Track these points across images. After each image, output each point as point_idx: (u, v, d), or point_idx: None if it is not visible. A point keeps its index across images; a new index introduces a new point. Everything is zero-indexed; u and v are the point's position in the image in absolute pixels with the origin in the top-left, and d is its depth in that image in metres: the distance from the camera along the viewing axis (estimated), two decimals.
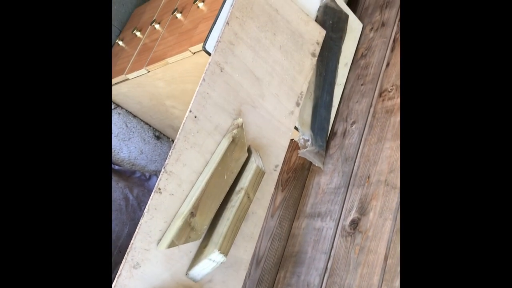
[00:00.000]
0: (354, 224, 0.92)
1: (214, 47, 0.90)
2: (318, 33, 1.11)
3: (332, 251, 0.94)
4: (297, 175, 1.17)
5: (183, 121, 0.83)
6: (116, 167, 1.36)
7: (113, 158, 1.40)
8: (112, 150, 1.40)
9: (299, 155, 1.09)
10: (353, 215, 0.94)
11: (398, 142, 0.95)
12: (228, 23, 0.92)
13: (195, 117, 0.85)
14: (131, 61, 1.26)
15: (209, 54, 0.95)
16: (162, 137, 1.52)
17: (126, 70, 1.24)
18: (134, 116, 1.46)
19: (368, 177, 0.96)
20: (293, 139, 1.16)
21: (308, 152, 1.09)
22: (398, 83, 1.06)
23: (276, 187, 1.20)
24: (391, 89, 1.07)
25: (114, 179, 1.29)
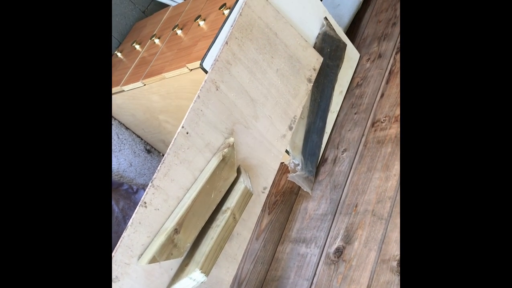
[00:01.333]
0: (339, 252, 0.92)
1: (212, 65, 0.91)
2: (316, 60, 1.12)
3: (314, 278, 0.93)
4: (285, 199, 1.16)
5: (175, 136, 0.83)
6: None
7: None
8: None
9: (288, 178, 1.08)
10: (338, 243, 0.94)
11: (388, 173, 0.95)
12: (227, 43, 0.93)
13: (187, 133, 0.84)
14: (128, 73, 1.27)
15: (206, 71, 0.95)
16: (153, 151, 1.51)
17: (122, 82, 1.24)
18: (127, 128, 1.46)
19: (356, 206, 0.96)
20: (283, 162, 1.16)
21: (297, 177, 1.09)
22: (391, 114, 1.07)
23: (263, 210, 1.19)
24: (384, 119, 1.08)
25: None
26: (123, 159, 1.43)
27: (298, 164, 1.09)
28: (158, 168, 0.80)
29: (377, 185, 0.95)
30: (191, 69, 1.02)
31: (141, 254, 0.76)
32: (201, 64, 0.95)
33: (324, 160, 1.15)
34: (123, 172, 1.43)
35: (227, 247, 0.89)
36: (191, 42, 1.09)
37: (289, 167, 1.10)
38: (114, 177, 1.41)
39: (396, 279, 0.79)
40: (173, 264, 0.80)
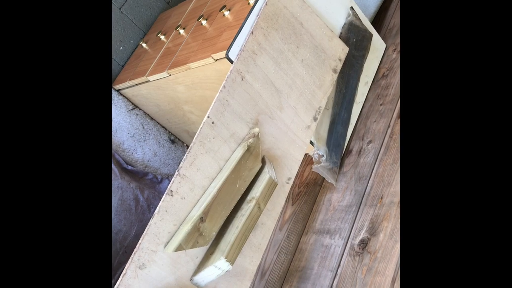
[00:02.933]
0: (364, 244, 0.91)
1: (237, 55, 0.91)
2: (341, 50, 1.11)
3: (338, 269, 0.92)
4: (308, 190, 1.16)
5: (200, 126, 0.83)
6: (129, 167, 1.36)
7: (127, 158, 1.40)
8: (127, 151, 1.41)
9: (312, 170, 1.08)
10: (362, 234, 0.93)
11: None
12: (252, 33, 0.93)
13: (213, 123, 0.85)
14: (153, 63, 1.28)
15: (231, 62, 0.95)
16: (177, 142, 1.53)
17: (148, 72, 1.25)
18: (151, 119, 1.47)
19: (381, 198, 0.95)
20: (307, 153, 1.16)
21: (321, 168, 1.08)
22: None
23: (287, 201, 1.19)
24: None
25: (126, 180, 1.30)
26: (147, 149, 1.45)
27: (323, 155, 1.09)
28: (184, 157, 0.81)
29: None
30: (216, 59, 1.02)
31: (168, 242, 0.77)
32: (226, 54, 0.95)
33: (349, 151, 1.14)
34: (147, 162, 1.44)
35: (251, 237, 0.89)
36: (216, 33, 1.09)
37: (313, 158, 1.09)
38: (139, 166, 1.43)
39: None
40: (199, 252, 0.81)
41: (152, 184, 1.40)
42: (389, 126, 1.08)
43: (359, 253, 0.91)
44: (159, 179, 1.42)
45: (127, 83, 1.34)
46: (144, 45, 1.43)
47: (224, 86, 0.87)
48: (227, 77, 0.88)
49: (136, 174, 1.38)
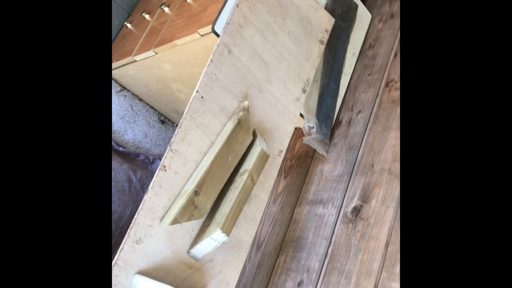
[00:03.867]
0: (356, 211, 0.93)
1: (223, 29, 0.90)
2: (327, 21, 1.11)
3: (333, 237, 0.94)
4: (300, 163, 1.17)
5: (190, 101, 0.83)
6: (121, 148, 1.36)
7: (118, 140, 1.40)
8: (117, 132, 1.40)
9: (303, 141, 1.09)
10: (355, 202, 0.94)
11: None
12: (237, 6, 0.92)
13: (202, 97, 0.85)
14: (139, 43, 1.26)
15: (217, 35, 0.95)
16: (167, 122, 1.52)
17: (134, 52, 1.24)
18: (140, 100, 1.47)
19: (372, 166, 0.97)
20: (298, 127, 1.16)
21: (312, 140, 1.09)
22: None
23: (279, 174, 1.20)
24: (398, 79, 1.07)
25: (118, 161, 1.30)
26: (138, 130, 1.45)
27: (313, 127, 1.10)
28: (175, 132, 0.81)
29: (393, 144, 0.95)
30: (202, 35, 1.01)
31: (163, 216, 0.78)
32: (212, 28, 0.94)
33: (338, 122, 1.15)
34: (139, 143, 1.44)
35: (246, 209, 0.90)
36: (201, 8, 1.08)
37: (303, 131, 1.10)
38: (130, 148, 1.42)
39: None
40: (194, 225, 0.82)
41: (144, 165, 1.40)
42: (377, 96, 1.09)
43: (352, 220, 0.92)
44: (151, 160, 1.42)
45: (114, 64, 1.32)
46: (129, 25, 1.42)
47: (211, 60, 0.87)
48: (214, 51, 0.88)
49: (127, 156, 1.38)
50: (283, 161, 1.23)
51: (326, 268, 0.91)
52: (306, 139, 1.09)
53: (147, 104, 1.48)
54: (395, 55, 1.13)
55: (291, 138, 1.27)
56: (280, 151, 0.99)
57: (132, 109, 1.44)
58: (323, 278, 0.90)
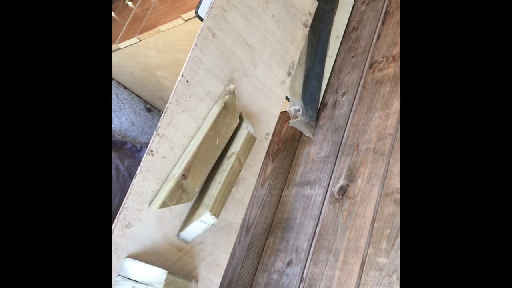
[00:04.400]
0: (343, 190, 0.94)
1: (207, 12, 0.90)
2: (311, 4, 1.11)
3: (320, 217, 0.96)
4: (287, 146, 1.18)
5: (175, 85, 0.84)
6: None
7: None
8: None
9: (289, 124, 1.10)
10: (341, 182, 0.96)
11: (388, 111, 0.97)
12: None
13: (187, 81, 0.85)
14: (123, 30, 1.26)
15: (201, 19, 0.95)
16: (153, 110, 1.52)
17: (118, 39, 1.23)
18: (125, 88, 1.46)
19: (357, 146, 0.98)
20: (284, 111, 1.17)
21: (298, 122, 1.10)
22: (389, 54, 1.07)
23: (267, 158, 1.21)
24: (381, 60, 1.08)
25: None
26: (124, 119, 1.44)
27: (299, 110, 1.11)
28: (162, 117, 0.81)
29: (377, 123, 0.97)
30: (186, 20, 1.01)
31: (152, 200, 0.78)
32: (196, 12, 0.94)
33: (324, 105, 1.16)
34: (125, 132, 1.44)
35: (234, 192, 0.91)
36: None
37: (289, 114, 1.11)
38: (117, 136, 1.42)
39: (399, 210, 0.81)
40: (183, 209, 0.83)
41: (131, 153, 1.40)
42: (361, 77, 1.10)
43: (339, 200, 0.94)
44: (138, 148, 1.42)
45: None
46: (112, 13, 1.40)
47: (196, 44, 0.87)
48: (198, 35, 0.88)
49: (114, 144, 1.38)
50: (270, 144, 1.24)
51: (315, 247, 0.92)
52: (292, 122, 1.10)
53: (133, 92, 1.48)
54: (378, 37, 1.14)
55: (278, 121, 1.28)
56: (267, 134, 0.99)
57: (118, 97, 1.44)
58: (311, 257, 0.92)
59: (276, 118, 1.00)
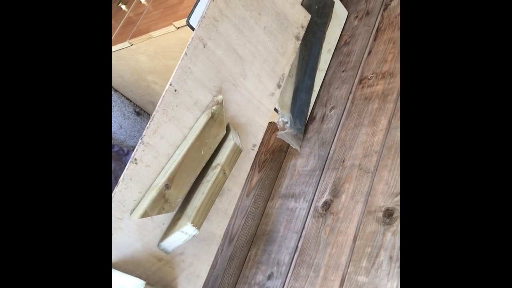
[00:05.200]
0: (327, 205, 0.94)
1: (198, 22, 0.90)
2: (303, 17, 1.11)
3: (303, 231, 0.96)
4: (274, 157, 1.18)
5: (163, 94, 0.83)
6: None
7: None
8: None
9: (277, 136, 1.10)
10: (326, 196, 0.96)
11: (375, 128, 0.97)
12: (213, 0, 0.92)
13: (175, 90, 0.85)
14: (115, 34, 1.25)
15: (192, 29, 0.95)
16: (143, 113, 1.51)
17: None
18: (115, 91, 1.45)
19: (343, 161, 0.98)
20: (273, 121, 1.17)
21: (286, 134, 1.10)
22: (378, 71, 1.08)
23: (253, 168, 1.21)
24: (371, 76, 1.08)
25: None
26: (113, 122, 1.43)
27: (287, 122, 1.11)
28: (148, 125, 0.81)
29: (364, 140, 0.97)
30: (178, 27, 1.01)
31: (133, 209, 0.78)
32: (187, 21, 0.94)
33: (312, 118, 1.16)
34: (113, 134, 1.43)
35: (218, 202, 0.91)
36: (178, 0, 1.08)
37: (278, 125, 1.11)
38: None
39: (381, 229, 0.82)
40: (165, 218, 0.82)
41: (118, 157, 1.39)
42: (350, 92, 1.11)
43: (322, 215, 0.94)
44: (125, 151, 1.41)
45: None
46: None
47: (185, 53, 0.87)
48: (189, 44, 0.88)
49: None
50: (257, 155, 1.24)
51: (296, 261, 0.92)
52: (280, 134, 1.10)
53: (123, 95, 1.47)
54: (369, 53, 1.15)
55: (267, 132, 1.28)
56: (254, 145, 0.99)
57: None
58: (292, 271, 0.91)
59: (264, 130, 1.00)
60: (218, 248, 1.13)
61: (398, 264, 0.75)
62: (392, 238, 0.79)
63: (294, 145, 1.12)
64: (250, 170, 1.23)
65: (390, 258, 0.77)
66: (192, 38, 0.88)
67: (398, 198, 0.82)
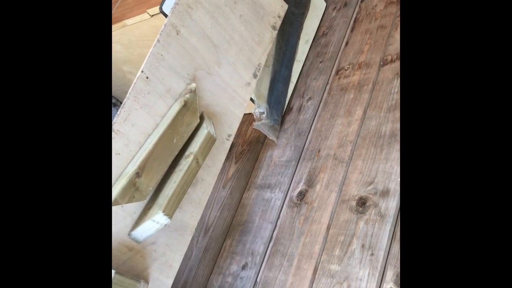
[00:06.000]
0: (301, 195, 0.94)
1: (172, 9, 0.88)
2: (280, 7, 1.11)
3: (278, 221, 0.95)
4: (251, 148, 1.17)
5: (134, 81, 0.82)
6: None
7: None
8: None
9: (253, 127, 1.09)
10: (301, 187, 0.96)
11: (350, 118, 0.97)
12: None
13: (147, 77, 0.83)
14: None
15: (166, 16, 0.93)
16: (119, 105, 1.49)
17: None
18: None
19: (318, 151, 0.98)
20: (250, 113, 1.16)
21: (262, 125, 1.10)
22: (355, 61, 1.07)
23: (230, 159, 1.20)
24: (347, 67, 1.08)
25: None
26: None
27: (263, 113, 1.10)
28: (118, 112, 0.79)
29: (339, 130, 0.97)
30: (152, 15, 0.99)
31: None
32: (160, 8, 0.92)
33: (289, 108, 1.16)
34: None
35: (191, 192, 0.90)
36: None
37: (254, 116, 1.10)
38: None
39: (354, 218, 0.81)
40: (136, 208, 0.81)
41: None
42: (327, 83, 1.11)
43: (297, 204, 0.93)
44: None
45: None
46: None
47: (158, 40, 0.85)
48: (161, 31, 0.86)
49: None
50: (234, 146, 1.23)
51: (271, 251, 0.92)
52: (256, 125, 1.09)
53: None
54: (346, 44, 1.14)
55: (244, 123, 1.27)
56: (229, 135, 0.98)
57: None
58: (266, 261, 0.91)
59: (239, 120, 0.99)
60: (193, 240, 1.12)
61: (370, 252, 0.75)
62: (364, 226, 0.78)
63: (270, 136, 1.11)
64: (227, 161, 1.22)
65: (363, 246, 0.77)
66: (165, 25, 0.87)
67: (372, 187, 0.82)
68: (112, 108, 1.47)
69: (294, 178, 0.99)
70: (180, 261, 0.87)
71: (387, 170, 0.82)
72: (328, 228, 0.84)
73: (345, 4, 1.24)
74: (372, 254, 0.75)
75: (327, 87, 1.10)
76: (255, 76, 1.04)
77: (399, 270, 0.70)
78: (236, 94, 0.99)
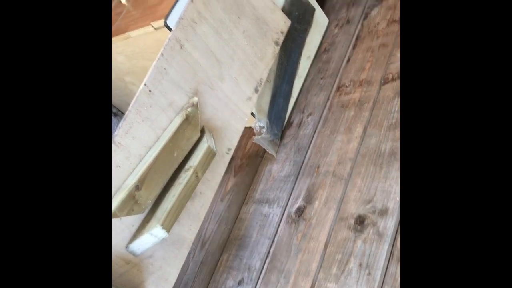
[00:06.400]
0: (300, 211, 0.94)
1: (176, 23, 0.89)
2: (283, 23, 1.12)
3: (276, 236, 0.95)
4: (250, 162, 1.17)
5: (137, 94, 0.82)
6: None
7: None
8: None
9: (253, 141, 1.09)
10: (299, 203, 0.96)
11: (350, 135, 0.97)
12: (192, 1, 0.92)
13: (150, 91, 0.84)
14: None
15: (170, 30, 0.94)
16: (120, 115, 1.49)
17: None
18: None
19: (318, 168, 0.98)
20: (250, 126, 1.17)
21: (262, 139, 1.10)
22: (356, 78, 1.08)
23: (229, 173, 1.20)
24: (348, 84, 1.09)
25: None
26: None
27: (264, 127, 1.10)
28: (120, 125, 0.80)
29: (339, 147, 0.97)
30: (156, 28, 1.00)
31: None
32: (165, 22, 0.93)
33: (289, 123, 1.16)
34: None
35: (190, 206, 0.90)
36: (157, 1, 1.07)
37: (254, 130, 1.11)
38: None
39: (352, 236, 0.81)
40: (135, 220, 0.81)
41: None
42: (328, 99, 1.11)
43: (295, 221, 0.93)
44: None
45: None
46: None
47: (162, 53, 0.86)
48: (165, 45, 0.87)
49: None
50: (234, 159, 1.23)
51: (267, 267, 0.92)
52: (256, 139, 1.09)
53: None
54: (348, 61, 1.15)
55: (244, 137, 1.27)
56: (229, 149, 0.99)
57: None
58: (263, 277, 0.91)
59: (240, 134, 1.00)
60: (190, 253, 1.11)
61: (367, 271, 0.75)
62: (362, 245, 0.78)
63: (270, 150, 1.12)
64: (226, 174, 1.22)
65: (360, 265, 0.77)
66: (169, 39, 0.88)
67: (370, 205, 0.82)
68: (113, 118, 1.48)
69: (292, 194, 0.99)
70: (177, 275, 0.87)
71: (386, 189, 0.82)
72: (326, 246, 0.84)
73: (348, 21, 1.25)
74: (369, 274, 0.75)
75: (328, 103, 1.10)
76: (256, 90, 1.04)
77: None
78: (237, 109, 1.00)
